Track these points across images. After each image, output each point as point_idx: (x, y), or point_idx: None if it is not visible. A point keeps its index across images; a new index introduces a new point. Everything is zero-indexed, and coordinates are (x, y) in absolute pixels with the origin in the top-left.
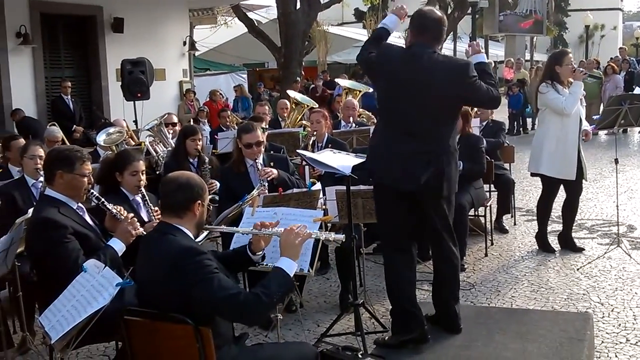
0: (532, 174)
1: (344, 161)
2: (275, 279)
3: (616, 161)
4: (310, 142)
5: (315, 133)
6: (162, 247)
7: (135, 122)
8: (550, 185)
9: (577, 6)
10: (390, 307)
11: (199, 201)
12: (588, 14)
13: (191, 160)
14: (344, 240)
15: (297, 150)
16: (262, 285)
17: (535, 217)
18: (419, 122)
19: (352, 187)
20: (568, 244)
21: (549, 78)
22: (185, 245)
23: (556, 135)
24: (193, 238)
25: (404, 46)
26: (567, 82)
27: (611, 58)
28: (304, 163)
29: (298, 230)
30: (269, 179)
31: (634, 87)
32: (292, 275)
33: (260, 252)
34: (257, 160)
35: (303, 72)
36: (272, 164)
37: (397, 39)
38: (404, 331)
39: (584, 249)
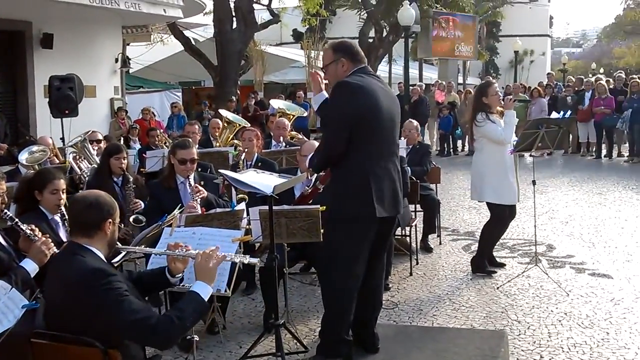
0: (480, 200)
1: (265, 181)
2: (190, 303)
3: (534, 182)
4: (242, 159)
5: (246, 151)
6: (71, 268)
7: (63, 139)
8: (500, 211)
9: (508, 32)
10: (318, 327)
11: (110, 220)
12: (518, 39)
13: (115, 179)
14: (257, 263)
15: (220, 170)
16: (175, 309)
17: (461, 237)
18: (395, 144)
19: (275, 207)
20: (492, 262)
21: (480, 110)
22: (94, 266)
23: (496, 163)
24: (104, 258)
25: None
26: (497, 111)
27: (539, 83)
28: (226, 182)
29: (211, 253)
30: (198, 198)
31: (554, 111)
32: (206, 299)
33: (180, 275)
34: (189, 177)
35: (239, 91)
36: (202, 183)
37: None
38: (332, 354)
39: (504, 265)
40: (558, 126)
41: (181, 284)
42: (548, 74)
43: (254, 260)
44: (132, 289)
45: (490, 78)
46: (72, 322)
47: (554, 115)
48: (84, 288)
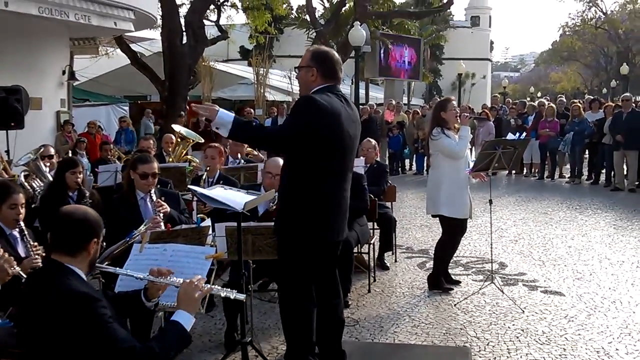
0: (433, 216)
1: (235, 197)
2: (172, 333)
3: (490, 202)
4: (203, 178)
5: (208, 168)
6: (54, 292)
7: (8, 152)
8: (452, 226)
9: (451, 55)
10: (280, 344)
11: (95, 239)
12: (461, 62)
13: (70, 193)
14: (244, 300)
15: (189, 186)
16: (158, 339)
17: (415, 255)
18: (350, 170)
19: (242, 224)
20: (447, 280)
21: (436, 125)
22: (79, 291)
23: (451, 178)
24: (85, 279)
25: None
26: (453, 127)
27: (483, 105)
28: (194, 199)
29: (198, 283)
30: (161, 212)
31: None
32: (189, 330)
33: (155, 300)
34: (150, 192)
35: (188, 107)
36: (162, 198)
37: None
38: None
39: (460, 282)
40: (514, 147)
41: (156, 309)
42: (493, 96)
43: (241, 297)
44: (115, 315)
45: (438, 99)
46: (51, 346)
47: (510, 136)
48: (68, 314)
